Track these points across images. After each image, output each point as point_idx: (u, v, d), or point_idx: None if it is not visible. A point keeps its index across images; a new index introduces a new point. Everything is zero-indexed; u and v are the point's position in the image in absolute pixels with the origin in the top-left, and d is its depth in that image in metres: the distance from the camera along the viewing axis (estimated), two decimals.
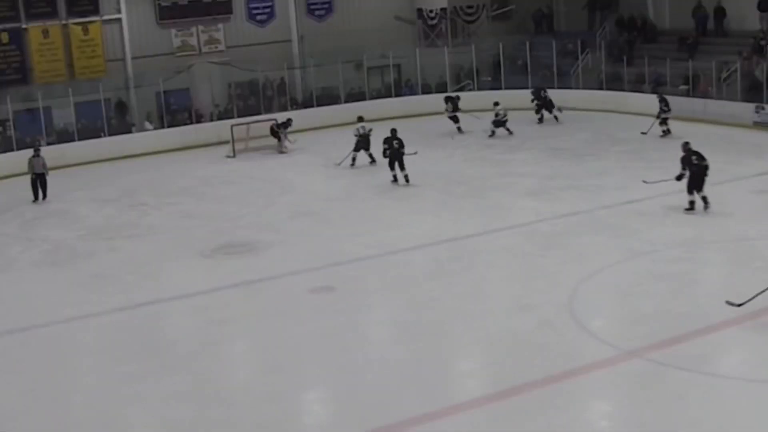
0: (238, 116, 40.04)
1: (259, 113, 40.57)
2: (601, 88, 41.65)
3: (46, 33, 39.64)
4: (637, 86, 40.63)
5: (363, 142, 32.79)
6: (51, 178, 32.31)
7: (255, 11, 43.81)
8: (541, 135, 36.76)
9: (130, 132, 39.79)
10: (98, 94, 39.27)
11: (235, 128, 37.41)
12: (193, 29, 42.57)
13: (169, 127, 40.26)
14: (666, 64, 39.51)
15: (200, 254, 24.27)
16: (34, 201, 31.69)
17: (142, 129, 40.17)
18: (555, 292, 19.47)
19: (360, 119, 33.91)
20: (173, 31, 42.23)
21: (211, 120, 40.74)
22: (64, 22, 40.02)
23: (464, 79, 45.30)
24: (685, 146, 24.68)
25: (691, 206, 24.41)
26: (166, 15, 41.99)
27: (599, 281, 20.27)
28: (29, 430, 15.44)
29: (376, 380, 16.24)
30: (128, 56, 41.16)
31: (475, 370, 16.93)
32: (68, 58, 40.15)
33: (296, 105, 43.08)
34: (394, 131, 30.06)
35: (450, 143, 36.28)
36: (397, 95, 44.35)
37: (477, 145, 35.57)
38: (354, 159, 32.82)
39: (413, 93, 44.65)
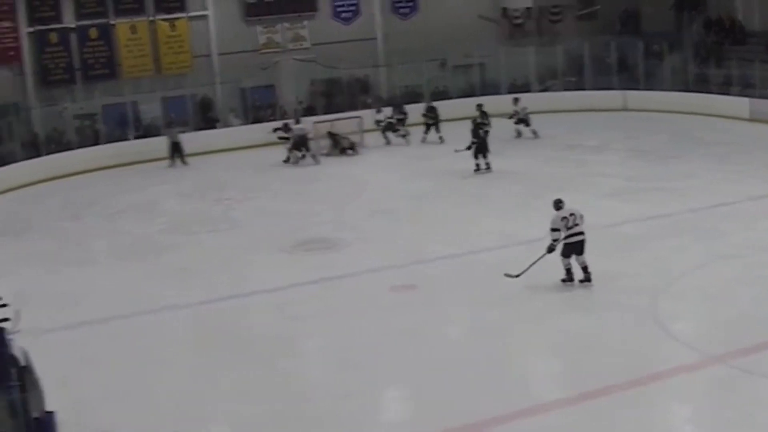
0: (322, 114, 40.15)
1: (342, 111, 40.60)
2: (687, 90, 41.13)
3: (133, 29, 40.09)
4: (724, 88, 40.07)
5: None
6: (137, 172, 32.82)
7: (340, 9, 43.92)
8: (626, 136, 36.39)
9: (214, 127, 40.08)
10: (184, 89, 39.67)
11: (317, 126, 37.55)
12: (279, 26, 42.79)
13: (252, 123, 40.52)
14: (754, 67, 38.98)
15: (281, 250, 24.37)
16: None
17: (227, 124, 40.51)
18: (638, 294, 19.24)
19: (479, 107, 34.44)
20: (259, 28, 42.49)
21: (295, 117, 40.91)
22: (151, 18, 40.46)
23: (549, 79, 45.04)
24: None
25: None
26: (252, 12, 42.26)
27: (683, 284, 20.00)
28: (110, 420, 15.57)
29: (455, 379, 16.14)
30: (214, 52, 41.49)
31: (555, 372, 16.80)
32: (155, 54, 40.59)
33: (380, 103, 43.10)
34: (480, 107, 32.80)
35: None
36: (481, 95, 44.13)
37: (558, 146, 35.29)
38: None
39: (497, 92, 44.45)
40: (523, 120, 36.92)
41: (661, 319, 18.00)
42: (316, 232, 25.95)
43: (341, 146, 36.53)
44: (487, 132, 32.20)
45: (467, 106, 41.51)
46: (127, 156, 36.73)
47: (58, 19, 39.19)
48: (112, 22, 39.91)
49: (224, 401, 16.02)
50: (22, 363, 13.19)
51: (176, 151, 36.69)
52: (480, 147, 31.22)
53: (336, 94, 42.94)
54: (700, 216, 24.66)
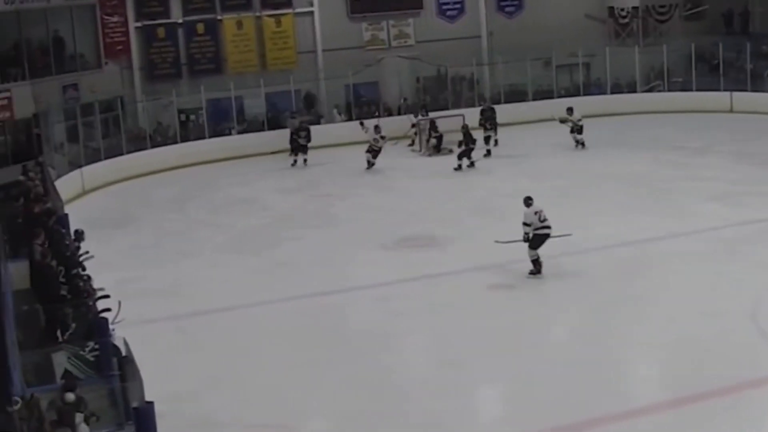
0: (433, 110, 40.15)
1: (446, 108, 40.54)
2: None
3: (240, 24, 40.51)
4: None
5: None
6: (238, 167, 33.32)
7: (445, 6, 43.91)
8: (731, 139, 35.87)
9: (318, 123, 40.32)
10: (289, 84, 39.98)
11: (422, 122, 37.60)
12: (384, 23, 42.91)
13: (357, 119, 40.69)
14: None
15: (383, 246, 24.53)
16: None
17: (331, 120, 40.76)
18: (739, 299, 19.06)
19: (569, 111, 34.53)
20: (364, 24, 42.66)
21: (399, 114, 40.91)
22: (257, 14, 40.82)
23: (654, 79, 44.58)
24: None
25: None
26: (357, 9, 42.43)
27: None
28: (209, 409, 15.84)
29: (553, 380, 16.17)
30: (319, 48, 41.75)
31: (654, 375, 16.75)
32: (260, 49, 40.95)
33: (484, 101, 43.05)
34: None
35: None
36: (586, 94, 43.86)
37: (663, 147, 34.91)
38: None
39: (601, 92, 44.12)
40: (577, 130, 35.61)
41: (762, 325, 17.82)
42: (419, 228, 26.07)
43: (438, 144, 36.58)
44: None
45: (578, 104, 41.56)
46: (231, 150, 37.10)
47: (166, 14, 39.76)
48: (218, 17, 40.37)
49: (323, 395, 16.19)
50: (123, 353, 13.47)
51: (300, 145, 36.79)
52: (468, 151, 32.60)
53: (441, 91, 42.90)
54: None
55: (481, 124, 36.67)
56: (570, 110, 35.54)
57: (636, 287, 20.42)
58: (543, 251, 21.64)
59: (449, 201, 29.02)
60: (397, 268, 22.71)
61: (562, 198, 28.26)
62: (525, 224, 21.36)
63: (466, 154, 33.06)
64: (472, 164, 33.14)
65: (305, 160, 35.88)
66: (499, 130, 36.84)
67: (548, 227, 21.45)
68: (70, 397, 11.77)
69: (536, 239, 21.36)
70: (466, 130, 33.69)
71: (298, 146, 36.16)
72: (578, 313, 19.39)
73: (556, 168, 32.05)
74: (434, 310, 19.89)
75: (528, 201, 21.70)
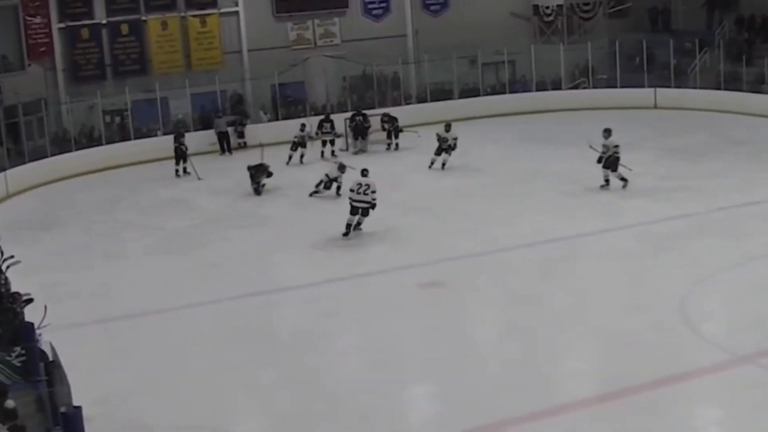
0: (352, 110, 40.07)
1: (372, 107, 40.53)
2: (719, 88, 40.88)
3: (164, 25, 40.18)
4: (756, 86, 39.84)
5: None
6: (165, 169, 33.06)
7: (371, 6, 43.88)
8: (657, 134, 36.21)
9: (243, 124, 40.03)
10: (215, 85, 39.74)
11: (348, 121, 37.56)
12: (309, 23, 42.79)
13: (283, 119, 40.55)
14: None
15: (312, 246, 24.42)
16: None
17: (257, 120, 40.55)
18: (667, 294, 19.21)
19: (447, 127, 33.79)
20: (289, 24, 42.49)
21: (324, 113, 40.83)
22: (182, 14, 40.51)
23: (579, 76, 44.87)
24: None
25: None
26: (283, 8, 42.26)
27: (712, 285, 19.99)
28: (139, 412, 15.67)
29: (481, 378, 16.21)
30: (245, 49, 41.52)
31: (582, 371, 16.78)
32: (186, 50, 40.66)
33: (410, 100, 43.06)
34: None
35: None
36: (512, 92, 44.03)
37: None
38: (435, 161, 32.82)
39: (527, 90, 44.32)
40: (446, 149, 32.82)
41: (690, 319, 17.96)
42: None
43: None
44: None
45: (496, 103, 41.69)
46: (157, 152, 36.65)
47: (89, 14, 39.27)
48: (143, 18, 40.00)
49: (254, 396, 16.13)
50: (50, 357, 13.25)
51: (224, 140, 38.15)
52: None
53: (367, 91, 42.85)
54: (730, 215, 24.56)
55: (384, 129, 37.26)
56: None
57: (565, 283, 20.54)
58: (473, 248, 21.73)
59: (378, 201, 28.93)
60: (326, 268, 22.65)
61: (490, 195, 28.38)
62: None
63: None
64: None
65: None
66: (426, 128, 36.86)
67: (361, 201, 24.63)
68: (11, 404, 11.54)
69: (352, 209, 24.59)
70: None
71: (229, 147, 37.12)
72: (507, 309, 19.45)
73: (484, 165, 32.13)
74: (364, 310, 19.86)
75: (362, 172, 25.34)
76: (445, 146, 32.32)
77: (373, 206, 24.65)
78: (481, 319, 19.35)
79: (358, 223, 24.79)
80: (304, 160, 34.32)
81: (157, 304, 20.73)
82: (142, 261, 24.55)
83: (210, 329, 19.35)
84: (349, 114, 38.55)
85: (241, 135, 38.90)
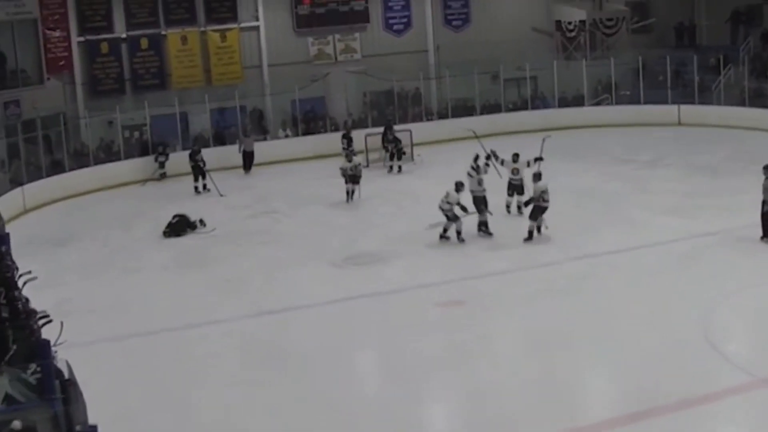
0: (373, 126, 40.10)
1: (394, 123, 40.52)
2: (743, 105, 40.76)
3: (184, 39, 40.31)
4: None
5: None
6: (184, 184, 33.19)
7: (392, 21, 43.95)
8: (680, 151, 36.08)
9: (264, 139, 40.15)
10: (234, 100, 39.79)
11: (369, 138, 37.54)
12: (330, 38, 42.88)
13: (303, 135, 40.60)
14: None
15: (330, 263, 24.37)
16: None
17: (276, 137, 40.59)
18: (690, 313, 19.04)
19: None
20: (310, 39, 42.60)
21: (345, 129, 40.83)
22: (202, 28, 40.69)
23: (602, 92, 44.81)
24: None
25: None
26: (304, 23, 42.37)
27: (737, 303, 19.79)
28: (155, 430, 15.61)
29: (504, 397, 16.09)
30: (265, 63, 41.67)
31: (604, 391, 16.65)
32: (206, 65, 40.80)
33: (431, 116, 43.04)
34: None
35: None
36: (533, 108, 43.99)
37: (612, 161, 35.08)
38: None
39: (549, 106, 44.26)
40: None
41: (713, 339, 17.80)
42: (367, 245, 25.97)
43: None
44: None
45: (518, 120, 41.61)
46: (177, 167, 36.71)
47: (109, 28, 39.50)
48: (163, 32, 40.17)
49: (270, 415, 16.00)
50: (66, 375, 13.21)
51: (248, 160, 37.80)
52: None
53: (388, 106, 42.85)
54: (755, 233, 24.34)
55: (384, 146, 37.04)
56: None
57: (589, 301, 20.38)
58: (494, 266, 21.66)
59: (398, 217, 28.90)
60: (344, 286, 22.55)
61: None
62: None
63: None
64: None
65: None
66: (446, 144, 36.87)
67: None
68: (17, 425, 11.48)
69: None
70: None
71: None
72: (529, 329, 19.29)
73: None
74: (381, 328, 19.76)
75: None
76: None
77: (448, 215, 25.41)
78: (502, 338, 19.22)
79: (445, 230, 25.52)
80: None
81: (173, 320, 20.68)
82: (158, 276, 24.55)
83: (226, 347, 19.28)
84: (370, 130, 38.62)
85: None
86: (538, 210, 25.14)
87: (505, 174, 28.24)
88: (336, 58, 42.98)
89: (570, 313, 19.74)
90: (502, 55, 42.63)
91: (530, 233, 25.07)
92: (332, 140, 38.66)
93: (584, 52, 45.60)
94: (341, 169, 31.44)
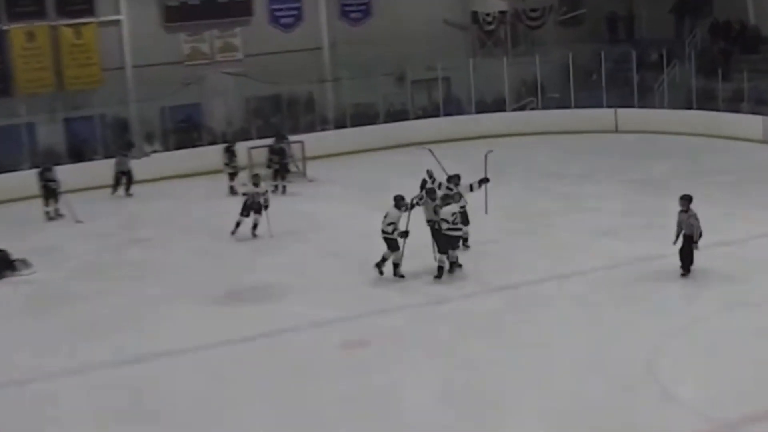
0: (258, 137, 40.07)
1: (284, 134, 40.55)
2: (690, 107, 41.40)
3: (31, 36, 39.92)
4: (734, 105, 40.34)
5: None
6: (35, 209, 32.87)
7: (279, 13, 43.95)
8: (618, 163, 36.55)
9: (125, 156, 39.79)
10: (92, 108, 39.50)
11: (254, 152, 37.53)
12: (206, 34, 42.82)
13: (175, 149, 40.43)
14: None
15: (211, 300, 24.27)
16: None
17: (142, 153, 40.15)
18: (634, 350, 19.26)
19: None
20: (182, 35, 42.47)
21: (225, 142, 40.63)
22: (53, 23, 40.31)
23: (526, 95, 45.25)
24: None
25: None
26: (174, 17, 42.20)
27: (688, 338, 20.10)
28: None
29: None
30: (128, 64, 41.39)
31: None
32: (57, 66, 40.40)
33: (326, 125, 43.16)
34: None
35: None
36: (446, 114, 44.24)
37: (540, 175, 35.45)
38: None
39: (462, 111, 44.54)
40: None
41: (663, 380, 18.06)
42: (255, 277, 25.99)
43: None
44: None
45: (428, 128, 41.82)
46: (24, 189, 36.14)
47: None
48: (4, 27, 39.71)
49: None
50: None
51: (123, 179, 37.14)
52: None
53: (276, 114, 42.87)
54: (708, 258, 24.63)
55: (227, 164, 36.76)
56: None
57: (513, 339, 20.52)
58: (403, 301, 21.75)
59: (292, 245, 28.89)
60: (228, 327, 22.41)
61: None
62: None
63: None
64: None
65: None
66: (346, 158, 36.97)
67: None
68: None
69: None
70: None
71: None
72: (444, 371, 19.38)
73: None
74: (272, 376, 19.72)
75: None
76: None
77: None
78: (412, 383, 19.25)
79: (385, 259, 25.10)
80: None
81: (23, 372, 20.41)
82: (7, 320, 24.16)
83: (87, 403, 19.05)
84: (254, 142, 38.61)
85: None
86: (446, 240, 24.73)
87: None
88: (213, 58, 42.90)
89: (490, 353, 19.88)
90: (410, 52, 42.85)
91: (440, 270, 24.62)
92: (210, 155, 38.57)
93: (505, 48, 46.06)
94: (245, 194, 30.42)
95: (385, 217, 24.69)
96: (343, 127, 42.71)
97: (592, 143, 39.34)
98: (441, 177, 27.19)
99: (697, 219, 23.48)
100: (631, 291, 23.02)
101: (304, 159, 37.72)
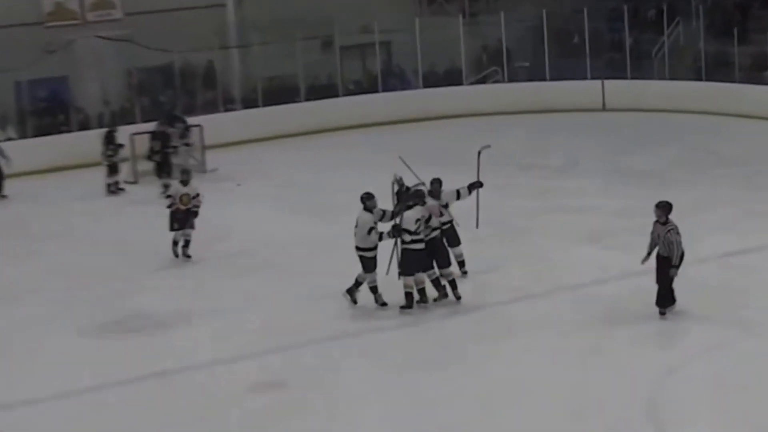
0: (143, 121, 39.88)
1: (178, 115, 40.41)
2: (698, 79, 41.61)
3: None
4: (754, 75, 40.54)
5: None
6: None
7: None
8: (606, 150, 36.68)
9: None
10: None
11: (137, 139, 37.29)
12: None
13: (34, 136, 40.18)
14: None
15: (79, 332, 24.05)
16: None
17: None
18: (628, 387, 19.26)
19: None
20: None
21: (101, 126, 40.43)
22: None
23: (489, 65, 45.34)
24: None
25: None
26: None
27: (692, 372, 20.11)
28: None
29: None
30: None
31: None
32: None
33: (232, 104, 43.07)
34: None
35: None
36: (387, 90, 44.25)
37: (508, 166, 35.41)
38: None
39: (408, 86, 44.60)
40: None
41: (662, 423, 18.16)
42: (138, 301, 25.78)
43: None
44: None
45: (363, 108, 41.81)
46: None
47: None
48: None
49: None
50: None
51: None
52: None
53: (167, 90, 42.79)
54: (716, 271, 24.82)
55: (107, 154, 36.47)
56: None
57: (479, 373, 20.45)
58: (324, 329, 21.81)
59: (191, 261, 28.73)
60: (101, 367, 22.16)
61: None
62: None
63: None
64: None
65: None
66: (257, 146, 36.89)
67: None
68: None
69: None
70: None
71: None
72: (388, 417, 19.27)
73: (339, 203, 32.01)
74: (167, 426, 19.58)
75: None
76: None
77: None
78: None
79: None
80: None
81: None
82: None
83: None
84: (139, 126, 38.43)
85: None
86: (412, 258, 23.86)
87: None
88: (84, 18, 42.74)
89: (449, 392, 19.75)
90: (338, 11, 42.86)
91: (409, 297, 23.79)
92: (81, 144, 38.34)
93: (461, 5, 46.12)
94: (170, 197, 29.17)
95: (356, 227, 23.81)
96: (254, 106, 42.65)
97: (573, 125, 39.47)
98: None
99: (678, 234, 22.45)
100: (626, 313, 23.02)
101: (204, 148, 37.56)
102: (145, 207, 33.04)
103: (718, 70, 41.42)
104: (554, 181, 33.60)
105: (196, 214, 28.68)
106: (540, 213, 30.46)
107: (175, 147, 36.72)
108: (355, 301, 24.18)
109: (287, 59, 42.93)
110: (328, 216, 31.01)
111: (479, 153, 26.84)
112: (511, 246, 28.01)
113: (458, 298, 23.84)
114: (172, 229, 28.62)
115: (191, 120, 38.84)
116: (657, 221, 22.76)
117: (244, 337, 23.05)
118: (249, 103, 42.95)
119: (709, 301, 23.37)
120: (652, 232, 22.81)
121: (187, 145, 37.14)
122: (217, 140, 37.98)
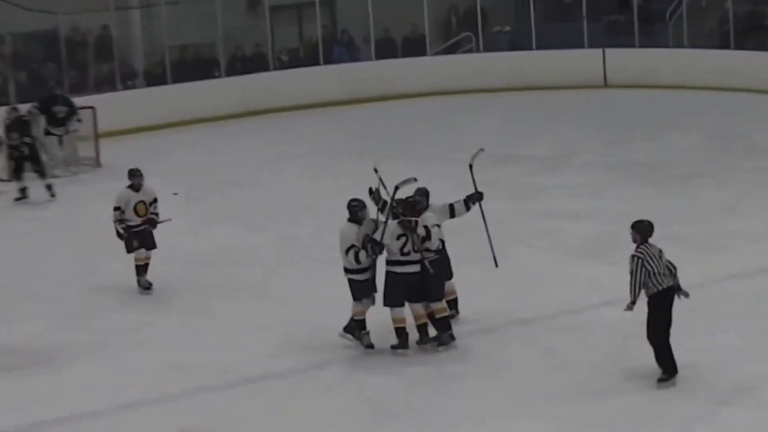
0: (20, 101, 39.99)
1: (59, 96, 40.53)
2: (725, 46, 41.81)
3: None
4: None
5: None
6: None
7: None
8: (607, 138, 36.90)
9: None
10: None
11: (7, 123, 37.42)
12: None
13: None
14: None
15: None
16: None
17: None
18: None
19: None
20: None
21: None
22: None
23: (459, 30, 45.56)
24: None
25: None
26: None
27: (724, 417, 20.27)
28: None
29: None
30: None
31: None
32: None
33: (133, 79, 43.21)
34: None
35: None
36: (328, 62, 44.40)
37: (486, 159, 35.38)
38: None
39: (356, 58, 44.77)
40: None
41: None
42: (12, 333, 25.96)
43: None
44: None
45: (300, 83, 42.03)
46: None
47: None
48: None
49: None
50: None
51: None
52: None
53: (49, 63, 42.96)
54: (746, 287, 25.02)
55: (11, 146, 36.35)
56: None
57: (454, 414, 20.43)
58: (269, 366, 22.02)
59: (75, 278, 28.88)
60: None
61: (292, 259, 28.61)
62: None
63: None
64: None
65: None
66: (170, 132, 37.12)
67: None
68: None
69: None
70: None
71: None
72: None
73: (277, 205, 32.26)
74: None
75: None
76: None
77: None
78: None
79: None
80: None
81: None
82: None
83: None
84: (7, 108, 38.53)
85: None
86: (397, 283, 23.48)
87: None
88: None
89: None
90: None
91: (401, 334, 23.40)
92: None
93: None
94: (118, 209, 27.75)
95: (341, 242, 23.11)
96: (161, 83, 42.75)
97: (566, 106, 39.74)
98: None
99: (640, 263, 20.61)
100: (633, 345, 23.18)
101: (97, 136, 37.65)
102: (25, 211, 33.27)
103: (749, 35, 41.61)
104: (541, 178, 33.82)
105: (154, 225, 27.66)
106: (522, 218, 30.76)
107: (55, 135, 36.83)
108: (369, 345, 23.33)
109: (203, 23, 43.11)
110: (260, 223, 31.21)
111: (471, 165, 26.20)
112: (485, 263, 26.87)
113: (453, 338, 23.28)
114: (131, 250, 27.48)
115: (80, 101, 39.00)
116: (637, 246, 21.03)
117: (141, 379, 23.03)
118: (154, 80, 43.05)
119: (741, 330, 23.25)
120: (633, 265, 20.79)
121: (68, 132, 37.08)
122: (114, 126, 38.07)
